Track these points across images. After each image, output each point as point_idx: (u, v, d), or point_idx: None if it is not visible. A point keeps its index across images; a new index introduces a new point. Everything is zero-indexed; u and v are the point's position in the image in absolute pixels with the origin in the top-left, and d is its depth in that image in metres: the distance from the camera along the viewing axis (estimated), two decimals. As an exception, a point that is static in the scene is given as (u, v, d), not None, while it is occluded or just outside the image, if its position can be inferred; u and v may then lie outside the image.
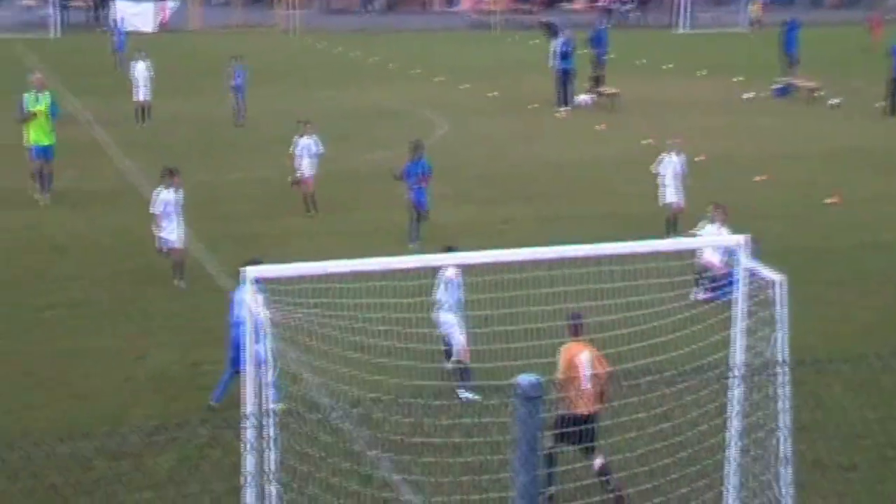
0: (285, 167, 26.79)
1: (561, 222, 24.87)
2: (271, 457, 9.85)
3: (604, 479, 11.74)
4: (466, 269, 14.71)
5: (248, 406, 10.35)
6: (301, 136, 25.78)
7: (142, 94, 38.33)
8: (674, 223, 22.96)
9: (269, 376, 10.40)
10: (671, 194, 23.44)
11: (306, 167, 25.60)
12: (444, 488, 10.79)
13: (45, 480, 10.49)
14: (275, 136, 36.31)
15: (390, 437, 11.42)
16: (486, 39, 71.47)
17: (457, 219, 25.16)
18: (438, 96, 45.17)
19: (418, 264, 14.43)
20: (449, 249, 14.26)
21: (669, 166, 23.53)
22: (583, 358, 12.21)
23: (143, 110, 38.32)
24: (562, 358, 12.18)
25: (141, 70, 38.57)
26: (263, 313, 10.45)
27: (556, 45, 43.38)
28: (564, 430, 11.54)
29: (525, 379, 7.21)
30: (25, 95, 26.22)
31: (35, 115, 25.90)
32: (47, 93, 26.40)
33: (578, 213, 25.81)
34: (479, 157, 32.96)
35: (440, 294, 15.26)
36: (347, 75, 52.19)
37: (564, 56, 42.43)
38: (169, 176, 20.80)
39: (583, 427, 11.63)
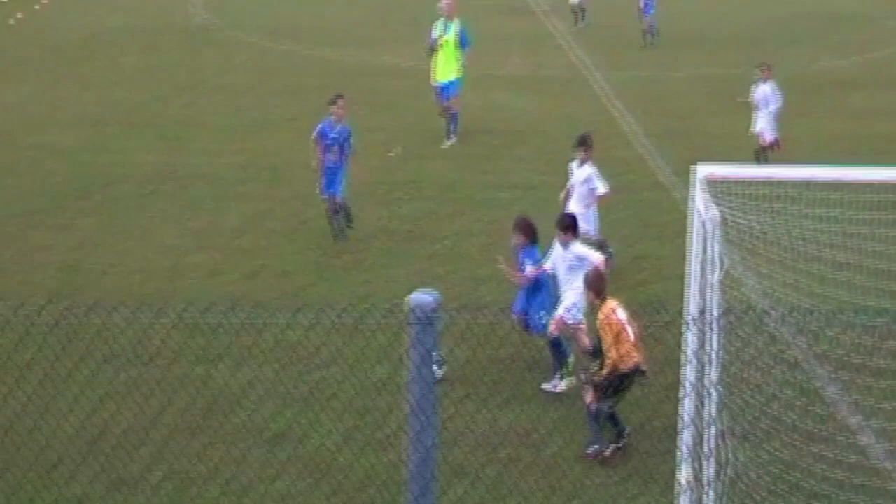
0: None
1: None
2: (712, 358, 9.96)
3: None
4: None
5: (692, 306, 10.46)
6: (762, 81, 21.53)
7: None
8: None
9: (716, 277, 10.47)
10: None
11: (762, 121, 21.33)
12: (891, 414, 10.56)
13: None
14: (721, 34, 35.78)
15: (834, 352, 11.27)
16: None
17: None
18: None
19: (875, 177, 13.91)
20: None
21: None
22: (621, 313, 11.47)
23: (578, 13, 37.73)
24: (604, 321, 11.35)
25: None
26: (712, 213, 10.48)
27: None
28: (620, 386, 11.13)
29: None
30: (434, 24, 23.54)
31: (441, 44, 23.09)
32: (457, 21, 23.21)
33: None
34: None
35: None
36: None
37: None
38: (580, 147, 16.57)
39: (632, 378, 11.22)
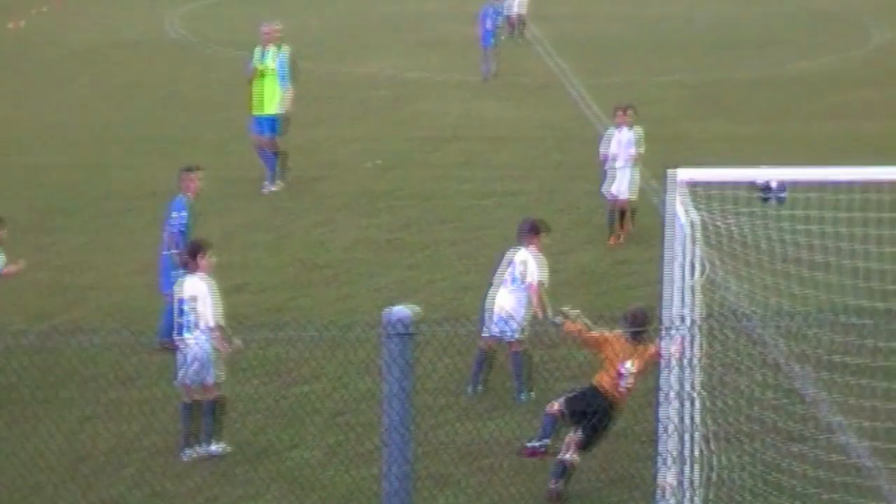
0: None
1: None
2: (693, 363, 9.97)
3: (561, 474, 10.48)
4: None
5: (669, 311, 10.45)
6: (618, 126, 18.11)
7: (515, 6, 36.30)
8: None
9: (697, 281, 10.47)
10: None
11: (619, 179, 17.90)
12: (871, 412, 10.61)
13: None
14: (699, 39, 35.92)
15: (815, 352, 11.32)
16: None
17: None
18: (885, 0, 42.79)
19: (855, 177, 13.95)
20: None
21: None
22: (627, 366, 10.70)
23: (515, 25, 36.59)
24: (604, 343, 10.70)
25: None
26: (693, 216, 10.49)
27: None
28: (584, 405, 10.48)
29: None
30: (254, 51, 20.60)
31: (260, 73, 20.19)
32: (281, 49, 20.34)
33: None
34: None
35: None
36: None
37: None
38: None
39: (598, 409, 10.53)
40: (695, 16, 39.35)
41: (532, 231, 12.85)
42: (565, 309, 10.91)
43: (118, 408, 10.90)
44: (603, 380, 10.79)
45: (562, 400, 10.79)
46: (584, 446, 10.45)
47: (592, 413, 10.54)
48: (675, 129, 24.74)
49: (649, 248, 17.34)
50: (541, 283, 12.61)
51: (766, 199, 12.15)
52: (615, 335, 10.87)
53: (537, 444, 10.69)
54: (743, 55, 33.01)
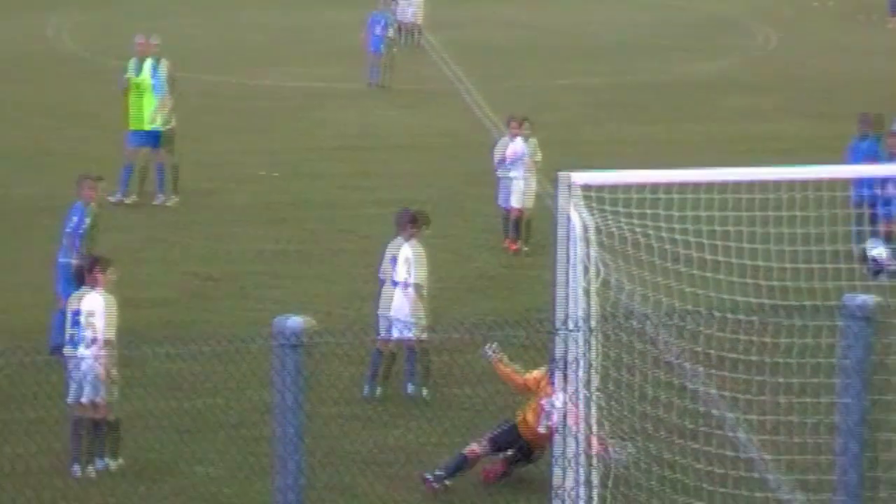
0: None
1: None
2: (584, 363, 10.12)
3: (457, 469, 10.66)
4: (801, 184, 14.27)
5: (562, 311, 10.58)
6: (512, 136, 18.08)
7: (410, 15, 35.38)
8: None
9: (592, 283, 10.62)
10: None
11: (513, 189, 17.84)
12: (760, 407, 10.86)
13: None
14: (598, 43, 36.36)
15: (706, 350, 11.54)
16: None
17: (790, 132, 24.59)
18: (770, 6, 43.77)
19: (746, 177, 14.25)
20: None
21: None
22: (554, 402, 10.73)
23: (409, 33, 35.65)
24: (533, 385, 10.90)
25: None
26: (586, 219, 10.65)
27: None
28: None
29: (855, 299, 7.21)
30: (128, 63, 20.35)
31: (134, 86, 19.83)
32: (154, 60, 20.03)
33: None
34: (813, 70, 31.89)
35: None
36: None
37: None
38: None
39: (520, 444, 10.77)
40: (592, 21, 39.77)
41: (412, 222, 12.66)
42: (489, 347, 10.99)
43: (9, 430, 10.71)
44: (527, 416, 10.87)
45: (484, 442, 10.77)
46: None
47: (516, 450, 10.71)
48: (573, 134, 25.03)
49: (548, 253, 17.52)
50: (419, 286, 12.46)
51: (877, 272, 12.13)
52: (542, 374, 10.93)
53: (431, 477, 10.58)
54: (640, 59, 33.44)
